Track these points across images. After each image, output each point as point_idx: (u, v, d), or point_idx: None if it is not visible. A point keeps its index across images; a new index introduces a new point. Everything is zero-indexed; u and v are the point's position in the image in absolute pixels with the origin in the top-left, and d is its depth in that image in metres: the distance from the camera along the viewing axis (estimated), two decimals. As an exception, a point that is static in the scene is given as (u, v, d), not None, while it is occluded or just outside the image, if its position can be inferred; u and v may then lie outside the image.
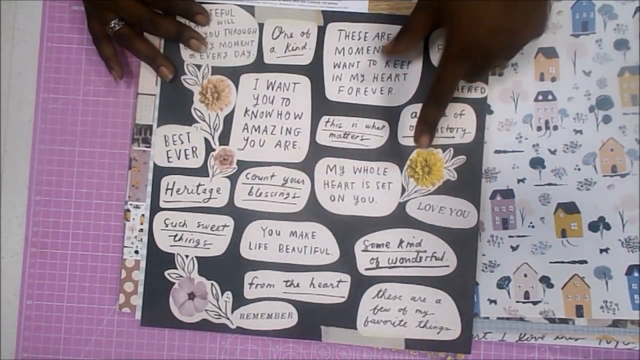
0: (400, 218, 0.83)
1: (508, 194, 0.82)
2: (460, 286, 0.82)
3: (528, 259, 0.81)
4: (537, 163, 0.81)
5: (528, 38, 0.75)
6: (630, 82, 0.81)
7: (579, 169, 0.81)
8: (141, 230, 0.84)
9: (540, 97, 0.82)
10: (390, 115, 0.83)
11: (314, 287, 0.83)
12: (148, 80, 0.84)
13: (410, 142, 0.83)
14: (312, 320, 0.83)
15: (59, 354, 0.85)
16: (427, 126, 0.78)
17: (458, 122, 0.82)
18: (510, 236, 0.82)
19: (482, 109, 0.82)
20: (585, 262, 0.81)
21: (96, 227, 0.85)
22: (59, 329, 0.85)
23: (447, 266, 0.82)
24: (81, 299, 0.85)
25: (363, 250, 0.83)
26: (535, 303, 0.81)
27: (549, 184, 0.81)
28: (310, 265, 0.83)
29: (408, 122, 0.83)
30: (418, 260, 0.82)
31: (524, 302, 0.81)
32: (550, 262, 0.81)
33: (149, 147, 0.84)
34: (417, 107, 0.82)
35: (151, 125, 0.84)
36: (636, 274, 0.80)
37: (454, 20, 0.73)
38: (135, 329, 0.85)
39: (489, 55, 0.74)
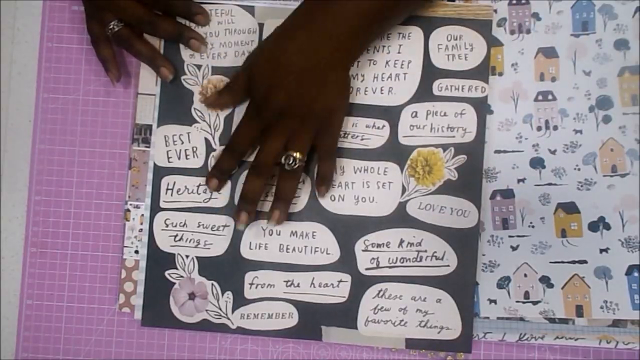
0: (400, 218, 0.83)
1: (508, 194, 0.82)
2: (461, 286, 0.82)
3: (528, 259, 0.81)
4: (537, 163, 0.81)
5: (329, 106, 0.79)
6: (630, 82, 0.81)
7: (579, 169, 0.81)
8: (141, 230, 0.84)
9: (540, 97, 0.82)
10: (391, 114, 0.83)
11: (314, 287, 0.83)
12: (148, 80, 0.84)
13: (410, 141, 0.83)
14: (312, 320, 0.83)
15: (59, 354, 0.85)
16: (216, 175, 0.83)
17: (459, 122, 0.82)
18: (510, 236, 0.82)
19: (482, 108, 0.82)
20: (585, 262, 0.81)
21: (96, 227, 0.85)
22: (59, 329, 0.85)
23: (448, 266, 0.82)
24: (81, 299, 0.85)
25: (363, 250, 0.83)
26: (535, 303, 0.81)
27: (549, 184, 0.81)
28: (310, 265, 0.83)
29: (408, 122, 0.82)
30: (418, 260, 0.82)
31: (524, 302, 0.81)
32: (550, 262, 0.81)
33: (149, 147, 0.84)
34: (418, 107, 0.82)
35: (151, 125, 0.84)
36: (636, 274, 0.80)
37: (255, 84, 0.79)
38: (135, 329, 0.85)
39: (280, 114, 0.77)
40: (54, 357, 0.85)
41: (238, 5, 0.83)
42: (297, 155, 0.78)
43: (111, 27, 0.80)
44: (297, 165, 0.78)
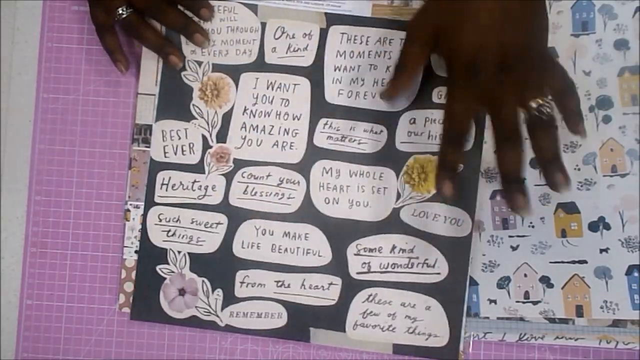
0: (393, 224, 0.83)
1: (508, 194, 0.82)
2: (451, 294, 0.82)
3: (528, 259, 0.81)
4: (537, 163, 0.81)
5: (539, 38, 0.71)
6: (630, 82, 0.81)
7: (579, 169, 0.81)
8: (141, 230, 0.84)
9: (540, 97, 0.82)
10: (389, 120, 0.83)
11: (304, 288, 0.83)
12: (148, 80, 0.84)
13: (407, 147, 0.83)
14: (301, 321, 0.83)
15: (59, 354, 0.85)
16: (447, 171, 0.73)
17: (456, 131, 0.82)
18: (510, 236, 0.82)
19: (481, 118, 0.81)
20: (585, 262, 0.81)
21: (96, 227, 0.85)
22: (59, 329, 0.85)
23: (439, 273, 0.82)
24: (81, 299, 0.85)
25: (355, 254, 0.83)
26: (535, 303, 0.81)
27: (549, 184, 0.81)
28: (302, 266, 0.83)
29: (406, 128, 0.82)
30: (410, 266, 0.82)
31: (524, 302, 0.81)
32: (550, 262, 0.81)
33: (149, 147, 0.84)
34: (416, 113, 0.83)
35: (151, 125, 0.84)
36: (636, 274, 0.80)
37: (455, 48, 0.70)
38: (135, 329, 0.84)
39: (501, 69, 0.68)
40: (54, 357, 0.85)
41: (241, 3, 0.84)
42: (545, 100, 0.67)
43: (119, 12, 0.80)
44: (551, 111, 0.68)
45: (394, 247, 0.82)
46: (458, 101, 0.72)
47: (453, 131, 0.73)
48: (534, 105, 0.67)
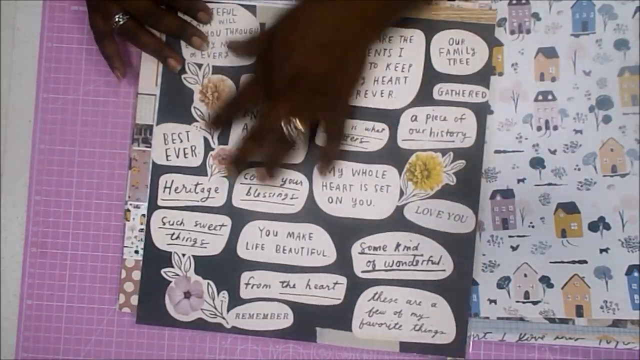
0: (397, 221, 0.83)
1: (508, 194, 0.82)
2: (456, 290, 0.82)
3: (528, 259, 0.81)
4: (537, 163, 0.81)
5: (344, 84, 0.78)
6: (630, 82, 0.81)
7: (579, 169, 0.81)
8: (141, 230, 0.84)
9: (540, 97, 0.82)
10: (390, 118, 0.83)
11: (310, 288, 0.83)
12: (148, 80, 0.84)
13: (409, 145, 0.82)
14: (307, 321, 0.83)
15: (59, 354, 0.85)
16: (214, 121, 0.82)
17: (458, 127, 0.82)
18: (510, 236, 0.82)
19: (482, 113, 0.82)
20: (585, 262, 0.81)
21: (96, 227, 0.85)
22: (59, 329, 0.85)
23: (444, 270, 0.82)
24: (81, 299, 0.85)
25: (360, 253, 0.83)
26: (535, 303, 0.81)
27: (549, 184, 0.81)
28: (306, 266, 0.83)
29: (408, 126, 0.82)
30: (414, 264, 0.82)
31: (524, 302, 0.81)
32: (550, 262, 0.81)
33: (149, 147, 0.84)
34: (418, 111, 0.82)
35: (151, 125, 0.84)
36: (636, 274, 0.80)
37: (267, 54, 0.76)
38: (135, 329, 0.84)
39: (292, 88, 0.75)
40: (54, 357, 0.85)
41: (240, 4, 0.83)
42: (300, 125, 0.77)
43: (116, 19, 0.80)
44: (296, 135, 0.77)
45: (398, 245, 0.82)
46: (253, 82, 0.79)
47: (237, 99, 0.81)
48: (291, 121, 0.77)
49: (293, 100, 0.76)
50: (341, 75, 0.76)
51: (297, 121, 0.76)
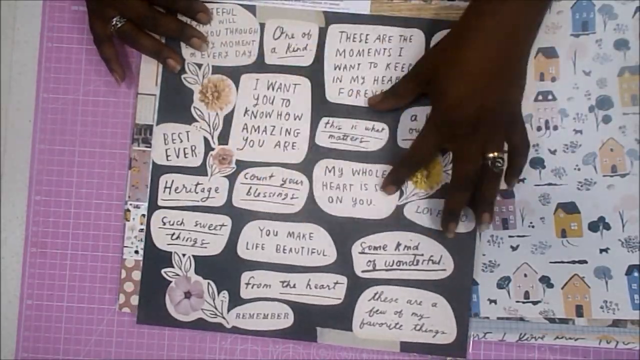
0: (398, 221, 0.83)
1: (508, 194, 0.82)
2: (457, 290, 0.82)
3: (528, 259, 0.81)
4: (537, 163, 0.81)
5: (515, 97, 0.78)
6: (630, 82, 0.81)
7: (579, 169, 0.81)
8: (141, 230, 0.84)
9: (540, 97, 0.82)
10: (390, 118, 0.83)
11: (310, 288, 0.83)
12: (148, 80, 0.84)
13: (409, 145, 0.82)
14: (307, 321, 0.83)
15: (59, 354, 0.85)
16: (393, 182, 0.82)
17: (458, 126, 0.82)
18: (510, 236, 0.82)
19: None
20: (585, 262, 0.81)
21: (96, 227, 0.85)
22: (59, 329, 0.85)
23: (444, 270, 0.82)
24: (81, 299, 0.85)
25: (360, 253, 0.83)
26: (535, 303, 0.81)
27: (549, 184, 0.81)
28: (307, 266, 0.83)
29: (408, 125, 0.83)
30: (415, 263, 0.82)
31: (524, 302, 0.81)
32: (550, 262, 0.81)
33: (149, 147, 0.84)
34: (418, 110, 0.83)
35: (151, 125, 0.84)
36: (636, 274, 0.80)
37: (441, 96, 0.76)
38: (135, 329, 0.85)
39: (475, 123, 0.75)
40: (53, 357, 0.85)
41: (239, 4, 0.84)
42: (500, 155, 0.76)
43: (114, 23, 0.80)
44: (502, 165, 0.77)
45: (398, 245, 0.82)
46: (430, 135, 0.79)
47: (413, 158, 0.81)
48: (490, 156, 0.76)
49: (484, 136, 0.76)
50: (513, 95, 0.77)
51: (496, 153, 0.76)
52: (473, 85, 0.74)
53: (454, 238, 0.81)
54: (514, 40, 0.74)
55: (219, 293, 0.83)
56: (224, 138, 0.83)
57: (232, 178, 0.83)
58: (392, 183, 0.82)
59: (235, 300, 0.83)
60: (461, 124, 0.75)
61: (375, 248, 0.83)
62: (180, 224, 0.84)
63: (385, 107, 0.82)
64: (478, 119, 0.74)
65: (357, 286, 0.83)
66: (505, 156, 0.78)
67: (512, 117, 0.78)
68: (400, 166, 0.82)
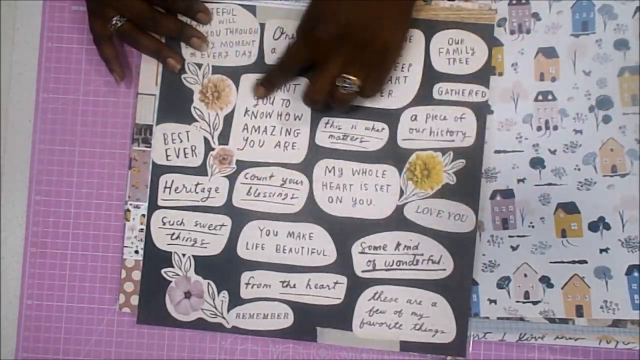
0: (398, 221, 0.83)
1: (508, 194, 0.82)
2: (456, 290, 0.82)
3: (528, 259, 0.81)
4: (537, 163, 0.81)
5: (389, 39, 0.78)
6: (630, 82, 0.81)
7: (579, 169, 0.81)
8: (141, 230, 0.84)
9: (540, 97, 0.82)
10: (390, 117, 0.83)
11: (310, 288, 0.83)
12: (148, 80, 0.84)
13: (409, 144, 0.83)
14: (307, 321, 0.83)
15: (59, 354, 0.85)
16: (264, 84, 0.83)
17: (458, 126, 0.82)
18: (510, 236, 0.82)
19: (482, 113, 0.82)
20: (585, 262, 0.81)
21: (96, 227, 0.85)
22: (59, 329, 0.85)
23: (444, 270, 0.82)
24: (81, 299, 0.85)
25: (360, 252, 0.83)
26: (535, 303, 0.81)
27: (549, 184, 0.81)
28: (307, 266, 0.83)
29: (408, 125, 0.82)
30: (415, 263, 0.82)
31: (524, 302, 0.81)
32: (550, 262, 0.81)
33: (149, 147, 0.84)
34: (418, 110, 0.83)
35: (151, 125, 0.84)
36: (636, 274, 0.80)
37: (315, 9, 0.77)
38: (135, 329, 0.85)
39: (340, 39, 0.75)
40: (53, 357, 0.85)
41: (239, 4, 0.84)
42: (355, 79, 0.77)
43: (114, 22, 0.80)
44: (353, 90, 0.77)
45: (398, 245, 0.82)
46: (300, 44, 0.79)
47: (284, 64, 0.81)
48: (345, 77, 0.77)
49: (344, 55, 0.76)
50: (388, 30, 0.76)
51: (351, 76, 0.76)
52: (349, 3, 0.74)
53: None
54: None
55: (219, 293, 0.83)
56: (224, 138, 0.83)
57: (232, 178, 0.83)
58: (262, 85, 0.83)
59: (235, 300, 0.83)
60: (326, 37, 0.75)
61: (375, 248, 0.83)
62: (180, 224, 0.84)
63: (274, 86, 0.84)
64: (345, 34, 0.75)
65: (357, 286, 0.83)
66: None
67: (381, 54, 0.78)
68: (274, 71, 0.82)
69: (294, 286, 0.83)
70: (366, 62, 0.77)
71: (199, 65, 0.84)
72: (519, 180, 0.81)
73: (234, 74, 0.84)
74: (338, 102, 0.79)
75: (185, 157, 0.84)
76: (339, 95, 0.78)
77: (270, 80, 0.83)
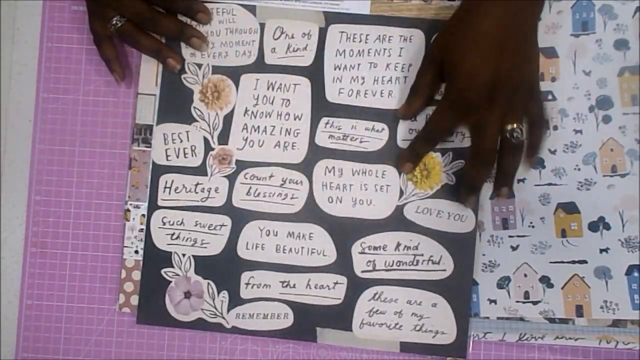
0: (397, 221, 0.83)
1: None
2: (457, 290, 0.82)
3: (528, 258, 0.81)
4: (537, 163, 0.81)
5: (529, 66, 0.78)
6: (630, 82, 0.81)
7: (579, 169, 0.81)
8: (141, 230, 0.84)
9: (540, 97, 0.82)
10: (390, 118, 0.83)
11: (310, 288, 0.83)
12: (148, 80, 0.84)
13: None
14: (307, 321, 0.83)
15: (59, 354, 0.85)
16: (410, 159, 0.82)
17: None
18: (510, 236, 0.82)
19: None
20: (585, 262, 0.81)
21: (96, 227, 0.85)
22: (59, 329, 0.85)
23: (444, 270, 0.82)
24: (81, 299, 0.85)
25: (360, 253, 0.83)
26: (535, 303, 0.81)
27: (549, 184, 0.81)
28: (307, 266, 0.83)
29: (408, 126, 0.83)
30: (415, 263, 0.82)
31: (524, 302, 0.81)
32: (550, 262, 0.81)
33: (149, 147, 0.84)
34: (418, 110, 0.83)
35: (151, 125, 0.84)
36: (636, 274, 0.80)
37: (454, 69, 0.75)
38: (135, 329, 0.85)
39: (491, 94, 0.74)
40: (53, 357, 0.85)
41: (239, 4, 0.84)
42: (519, 126, 0.76)
43: (114, 22, 0.80)
44: (521, 136, 0.76)
45: (398, 245, 0.82)
46: (446, 110, 0.78)
47: (431, 133, 0.81)
48: (508, 128, 0.76)
49: (501, 107, 0.75)
50: (528, 65, 0.77)
51: (515, 124, 0.76)
52: (486, 54, 0.73)
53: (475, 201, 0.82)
54: (523, 8, 0.74)
55: (218, 293, 0.83)
56: (223, 138, 0.83)
57: (232, 178, 0.83)
58: (409, 160, 0.82)
59: (235, 300, 0.83)
60: (476, 95, 0.75)
61: (375, 248, 0.82)
62: (180, 224, 0.84)
63: (413, 110, 0.82)
64: (493, 88, 0.74)
65: (357, 286, 0.83)
66: (525, 130, 0.78)
67: (529, 85, 0.78)
68: (417, 142, 0.81)
69: (294, 286, 0.83)
70: (521, 104, 0.77)
71: (199, 65, 0.84)
72: (518, 180, 0.81)
73: (234, 74, 0.84)
74: (512, 154, 0.78)
75: (185, 157, 0.84)
76: (510, 148, 0.77)
77: (418, 153, 0.82)
